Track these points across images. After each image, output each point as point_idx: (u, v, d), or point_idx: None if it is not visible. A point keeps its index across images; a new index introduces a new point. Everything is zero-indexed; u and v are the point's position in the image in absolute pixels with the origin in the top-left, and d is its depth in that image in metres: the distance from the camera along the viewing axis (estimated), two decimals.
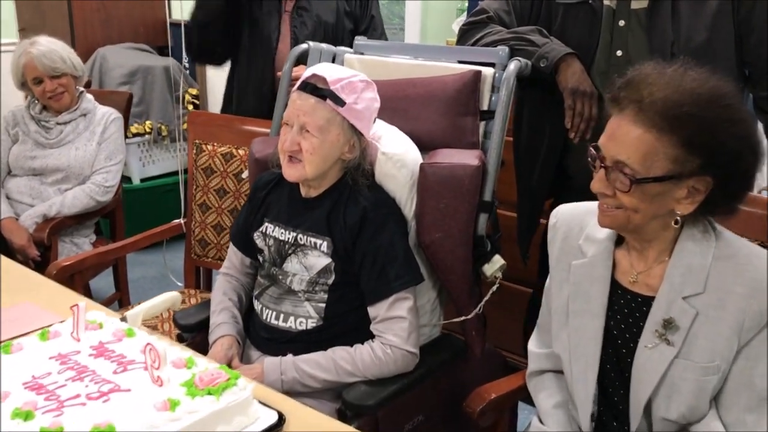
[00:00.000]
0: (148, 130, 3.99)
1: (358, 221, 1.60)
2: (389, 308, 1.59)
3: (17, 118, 2.72)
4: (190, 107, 4.12)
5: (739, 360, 1.21)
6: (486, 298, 1.72)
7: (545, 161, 1.90)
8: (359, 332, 1.63)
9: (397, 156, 1.64)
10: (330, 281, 1.64)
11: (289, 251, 1.68)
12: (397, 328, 1.58)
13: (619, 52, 1.72)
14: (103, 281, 3.07)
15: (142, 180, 4.08)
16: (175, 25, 4.28)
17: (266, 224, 1.74)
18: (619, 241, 1.34)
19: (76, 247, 2.69)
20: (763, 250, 1.24)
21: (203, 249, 2.46)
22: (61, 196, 2.61)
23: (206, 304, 1.86)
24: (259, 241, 1.75)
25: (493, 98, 1.76)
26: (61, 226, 2.60)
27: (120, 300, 2.96)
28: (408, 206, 1.68)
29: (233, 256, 1.86)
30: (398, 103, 1.82)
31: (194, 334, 1.83)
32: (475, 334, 1.72)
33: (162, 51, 4.34)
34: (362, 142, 1.64)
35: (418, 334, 1.62)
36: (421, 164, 1.64)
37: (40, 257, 2.52)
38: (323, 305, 1.65)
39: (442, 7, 3.48)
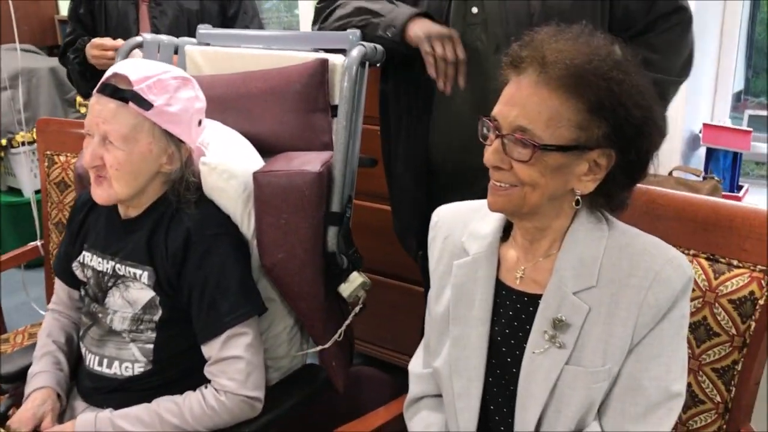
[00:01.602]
0: (36, 137, 3.65)
1: (181, 246, 1.35)
2: (222, 347, 1.34)
3: None
4: (83, 110, 3.80)
5: (628, 361, 1.05)
6: (347, 323, 1.48)
7: (414, 148, 1.64)
8: (197, 376, 1.38)
9: (222, 166, 1.38)
10: (156, 317, 1.39)
11: (109, 284, 1.42)
12: (233, 371, 1.34)
13: (474, 9, 1.47)
14: None
15: (37, 192, 3.74)
16: (65, 23, 3.98)
17: (84, 252, 1.48)
18: (505, 238, 1.17)
19: None
20: (660, 240, 1.09)
21: None
22: None
23: (33, 347, 1.59)
24: (78, 273, 1.49)
25: None
26: None
27: None
28: (246, 223, 1.42)
29: (60, 289, 1.59)
30: (240, 101, 1.57)
31: (17, 383, 1.56)
32: (336, 364, 1.48)
33: (52, 51, 4.01)
34: (183, 150, 1.38)
35: (262, 373, 1.38)
36: (254, 173, 1.39)
37: None
38: (151, 346, 1.39)
39: None
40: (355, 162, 1.51)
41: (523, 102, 1.02)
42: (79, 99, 3.80)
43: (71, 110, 3.82)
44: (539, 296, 1.10)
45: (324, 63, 1.49)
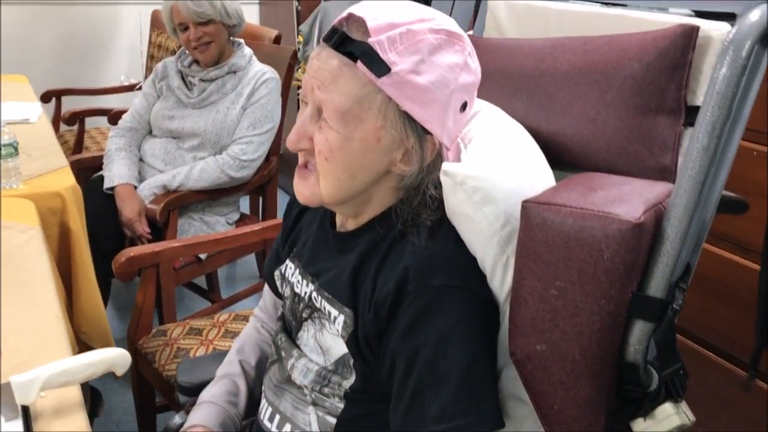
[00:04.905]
0: None
1: (392, 294, 0.86)
2: None
3: (167, 70, 2.36)
4: None
5: None
6: None
7: None
8: None
9: (473, 181, 0.85)
10: (347, 384, 0.93)
11: (304, 314, 1.01)
12: None
13: None
14: None
15: None
16: None
17: (288, 262, 1.08)
18: None
19: (207, 227, 2.27)
20: None
21: None
22: (188, 167, 2.20)
23: (223, 355, 1.26)
24: (278, 284, 1.11)
25: None
26: (184, 200, 2.19)
27: None
28: (499, 276, 0.88)
29: (267, 293, 1.24)
30: (540, 81, 1.02)
31: (196, 398, 1.24)
32: None
33: None
34: (428, 145, 0.88)
35: None
36: (524, 202, 0.83)
37: (151, 235, 2.13)
38: (333, 420, 0.95)
39: None
40: (711, 206, 0.88)
41: None
42: None
43: None
44: None
45: (690, 32, 0.87)
